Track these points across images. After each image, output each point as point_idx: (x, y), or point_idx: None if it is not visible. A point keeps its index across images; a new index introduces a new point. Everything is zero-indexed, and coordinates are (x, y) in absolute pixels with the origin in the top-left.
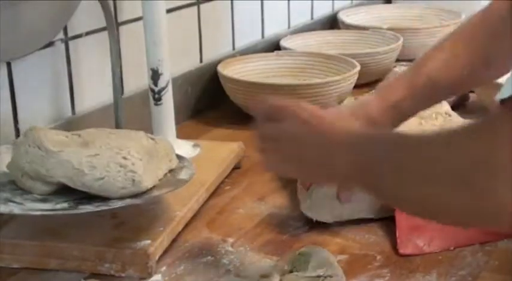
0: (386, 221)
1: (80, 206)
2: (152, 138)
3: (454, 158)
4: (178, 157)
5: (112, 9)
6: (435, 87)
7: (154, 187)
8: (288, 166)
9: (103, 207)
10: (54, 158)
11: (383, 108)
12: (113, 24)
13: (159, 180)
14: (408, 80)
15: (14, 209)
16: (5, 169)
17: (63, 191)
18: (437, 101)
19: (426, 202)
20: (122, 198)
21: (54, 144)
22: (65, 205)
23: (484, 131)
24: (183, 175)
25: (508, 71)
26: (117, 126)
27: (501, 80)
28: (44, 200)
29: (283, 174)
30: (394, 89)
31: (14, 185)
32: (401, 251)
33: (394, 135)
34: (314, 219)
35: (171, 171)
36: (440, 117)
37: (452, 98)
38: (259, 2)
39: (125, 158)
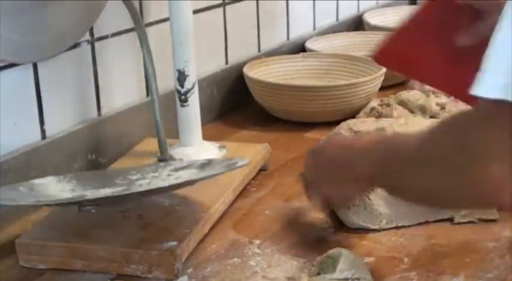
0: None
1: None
2: None
3: (437, 149)
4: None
5: (138, 9)
6: None
7: None
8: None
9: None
10: None
11: None
12: (141, 26)
13: None
14: None
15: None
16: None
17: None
18: None
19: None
20: None
21: None
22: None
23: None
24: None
25: None
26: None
27: None
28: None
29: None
30: None
31: None
32: None
33: (394, 138)
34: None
35: None
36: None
37: None
38: (285, 3)
39: None
